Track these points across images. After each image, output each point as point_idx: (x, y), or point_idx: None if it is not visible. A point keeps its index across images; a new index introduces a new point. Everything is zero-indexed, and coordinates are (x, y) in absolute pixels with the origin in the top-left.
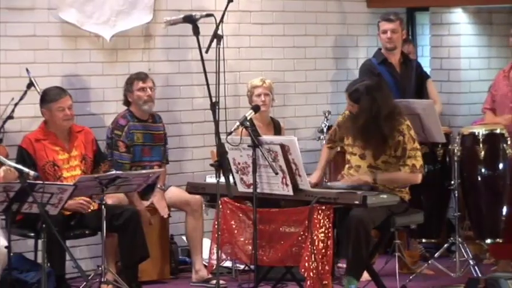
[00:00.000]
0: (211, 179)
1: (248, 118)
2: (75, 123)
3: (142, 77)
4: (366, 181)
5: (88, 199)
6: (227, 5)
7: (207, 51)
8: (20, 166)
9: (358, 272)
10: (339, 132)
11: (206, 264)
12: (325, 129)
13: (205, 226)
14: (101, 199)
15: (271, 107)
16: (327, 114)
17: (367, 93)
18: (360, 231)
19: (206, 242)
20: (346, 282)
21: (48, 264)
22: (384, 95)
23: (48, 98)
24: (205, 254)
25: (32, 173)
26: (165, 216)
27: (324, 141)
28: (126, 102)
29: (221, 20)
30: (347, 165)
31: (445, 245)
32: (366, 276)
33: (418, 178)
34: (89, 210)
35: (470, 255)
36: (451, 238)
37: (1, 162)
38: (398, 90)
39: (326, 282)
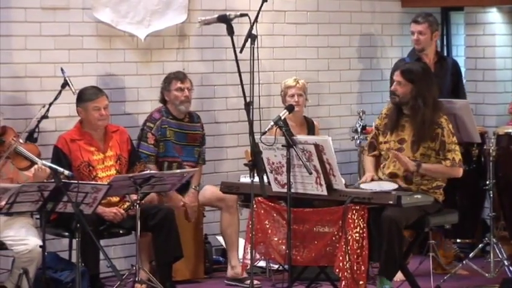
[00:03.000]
0: (245, 179)
1: (282, 118)
2: (110, 123)
3: (180, 77)
4: (408, 168)
5: (122, 211)
6: (261, 5)
7: (241, 51)
8: (54, 165)
9: (391, 271)
10: (378, 132)
11: (240, 264)
12: (359, 129)
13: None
14: (134, 201)
15: (305, 107)
16: (361, 114)
17: (422, 73)
18: (392, 231)
19: (240, 242)
20: (379, 283)
21: (82, 264)
22: (433, 80)
23: (84, 97)
24: (240, 254)
25: (66, 172)
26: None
27: (364, 148)
28: (163, 100)
29: (255, 20)
30: (381, 165)
31: (480, 245)
32: (400, 276)
33: (459, 172)
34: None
35: (504, 255)
36: (486, 238)
37: (33, 161)
38: None
39: (362, 282)
